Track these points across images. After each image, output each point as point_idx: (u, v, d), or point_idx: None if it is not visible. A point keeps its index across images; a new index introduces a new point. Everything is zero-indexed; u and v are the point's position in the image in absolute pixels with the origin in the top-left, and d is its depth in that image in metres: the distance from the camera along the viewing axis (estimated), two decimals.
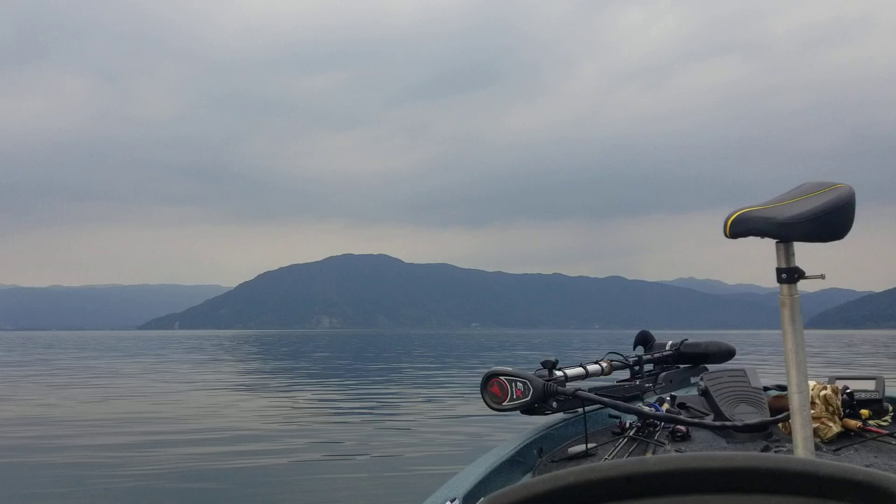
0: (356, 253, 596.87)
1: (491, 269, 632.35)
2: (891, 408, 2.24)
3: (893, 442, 2.04)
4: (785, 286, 1.56)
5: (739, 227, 1.56)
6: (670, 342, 2.93)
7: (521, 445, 2.08)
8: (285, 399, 12.30)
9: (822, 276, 1.55)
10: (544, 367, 2.22)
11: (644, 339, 2.97)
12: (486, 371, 2.20)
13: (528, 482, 0.72)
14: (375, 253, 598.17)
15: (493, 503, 0.72)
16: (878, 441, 2.06)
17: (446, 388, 14.46)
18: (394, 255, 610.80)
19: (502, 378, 2.13)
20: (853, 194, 1.59)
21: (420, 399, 12.05)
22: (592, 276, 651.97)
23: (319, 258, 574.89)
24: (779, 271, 1.56)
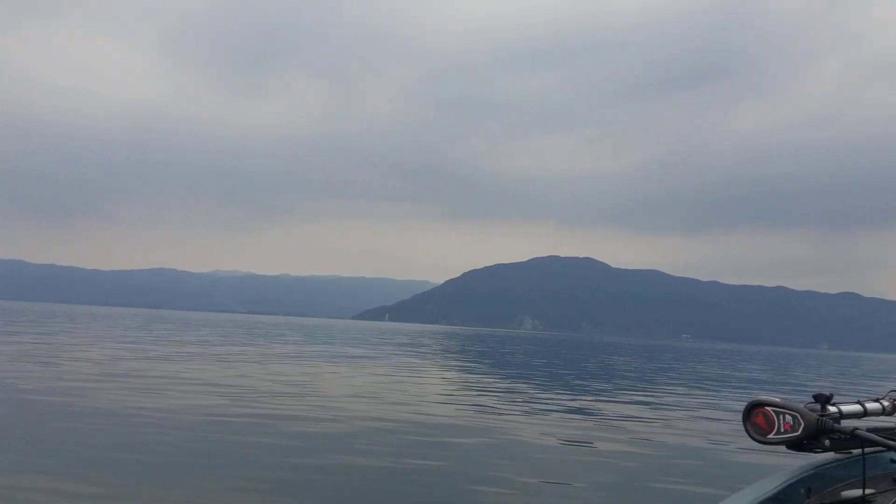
0: (562, 255, 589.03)
1: (705, 279, 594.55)
2: None
3: None
4: None
5: None
6: None
7: (788, 483, 1.94)
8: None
9: None
10: (816, 401, 2.03)
11: None
12: (750, 399, 2.05)
13: None
14: (582, 256, 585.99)
15: None
16: None
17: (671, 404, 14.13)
18: (601, 259, 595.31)
19: (768, 409, 1.98)
20: None
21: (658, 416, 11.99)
22: (822, 291, 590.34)
23: (525, 259, 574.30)
24: None
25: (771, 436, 1.98)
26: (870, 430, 2.02)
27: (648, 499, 6.02)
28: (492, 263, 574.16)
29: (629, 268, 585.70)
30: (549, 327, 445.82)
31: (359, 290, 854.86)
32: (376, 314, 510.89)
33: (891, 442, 1.96)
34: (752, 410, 2.00)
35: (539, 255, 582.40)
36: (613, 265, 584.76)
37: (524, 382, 17.83)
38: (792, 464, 2.27)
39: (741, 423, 2.04)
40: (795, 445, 1.99)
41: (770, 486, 1.89)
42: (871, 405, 2.20)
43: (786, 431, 1.96)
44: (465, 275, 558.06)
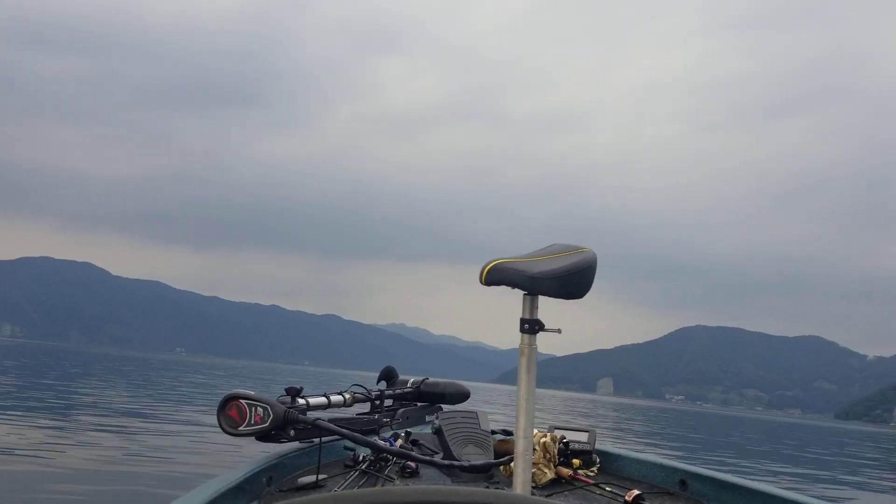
0: (57, 257, 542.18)
1: (207, 294, 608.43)
2: (598, 459, 2.50)
3: (597, 491, 2.23)
4: (526, 336, 1.66)
5: (494, 276, 1.66)
6: (412, 380, 2.98)
7: (249, 473, 1.99)
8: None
9: (559, 331, 1.66)
10: (288, 394, 2.19)
11: (388, 375, 2.98)
12: (226, 392, 2.10)
13: None
14: (80, 260, 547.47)
15: None
16: (585, 490, 2.25)
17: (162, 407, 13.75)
18: (101, 266, 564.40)
19: (242, 401, 2.06)
20: (596, 259, 1.74)
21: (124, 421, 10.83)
22: (310, 311, 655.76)
23: (12, 257, 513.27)
24: (522, 321, 1.66)
25: (242, 428, 2.04)
26: (331, 420, 2.23)
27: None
28: None
29: (131, 277, 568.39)
30: (31, 335, 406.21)
31: None
32: None
33: (344, 430, 2.17)
34: (227, 403, 2.06)
35: (30, 255, 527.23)
36: (114, 272, 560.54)
37: None
38: (259, 454, 2.26)
39: (216, 415, 2.09)
40: (264, 436, 2.09)
41: (231, 478, 1.91)
42: (335, 398, 2.43)
43: (256, 423, 2.04)
44: None
